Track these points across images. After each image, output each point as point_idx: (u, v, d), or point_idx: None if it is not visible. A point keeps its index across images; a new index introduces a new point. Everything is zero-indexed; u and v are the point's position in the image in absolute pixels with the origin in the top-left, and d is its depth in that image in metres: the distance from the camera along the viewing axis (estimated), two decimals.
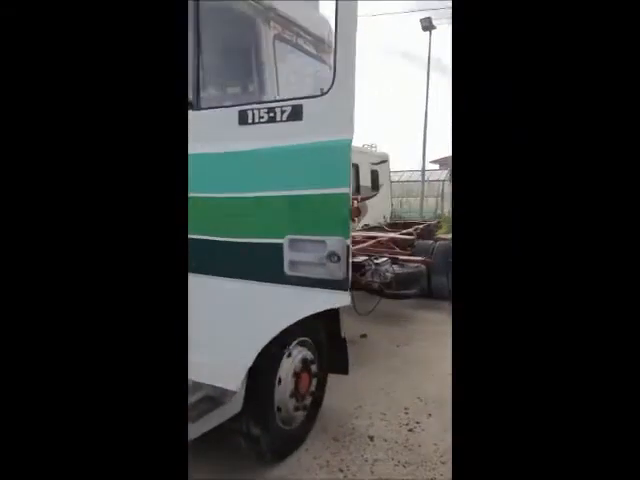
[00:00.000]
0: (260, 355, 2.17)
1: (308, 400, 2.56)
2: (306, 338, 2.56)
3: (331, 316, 2.81)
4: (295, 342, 2.45)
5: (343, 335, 2.89)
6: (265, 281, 1.99)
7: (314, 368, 2.59)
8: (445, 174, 19.80)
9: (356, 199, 9.72)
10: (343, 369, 2.92)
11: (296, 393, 2.40)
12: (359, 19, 1.65)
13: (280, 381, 2.32)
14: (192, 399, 1.99)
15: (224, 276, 2.07)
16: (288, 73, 2.42)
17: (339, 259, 1.84)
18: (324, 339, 2.76)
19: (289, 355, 2.39)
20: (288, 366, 2.36)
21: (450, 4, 1.11)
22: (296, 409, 2.41)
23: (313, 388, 2.60)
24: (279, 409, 2.33)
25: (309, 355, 2.54)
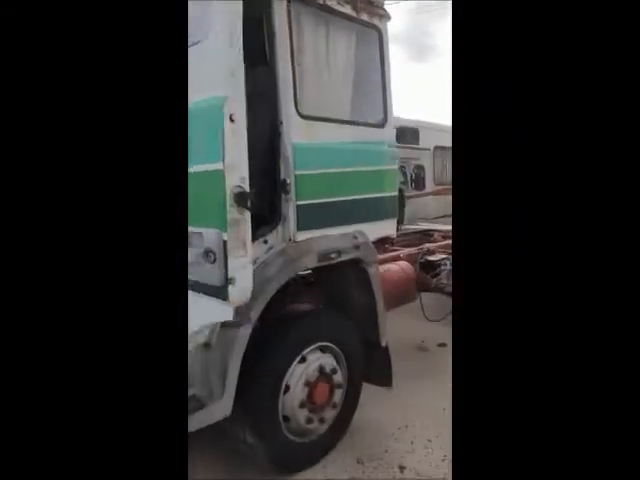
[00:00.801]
0: (258, 357, 1.97)
1: (329, 413, 2.27)
2: (329, 344, 2.27)
3: (367, 320, 2.48)
4: (312, 347, 2.18)
5: (384, 343, 2.52)
6: None
7: (337, 378, 2.28)
8: None
9: None
10: (385, 381, 2.56)
11: (309, 404, 2.14)
12: None
13: (288, 388, 2.08)
14: None
15: None
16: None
17: (215, 259, 1.50)
18: (357, 347, 2.43)
19: (303, 361, 2.13)
20: (299, 373, 2.11)
21: None
22: (309, 421, 2.15)
23: (337, 400, 2.30)
24: (287, 419, 2.10)
25: (331, 363, 2.25)
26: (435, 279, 3.55)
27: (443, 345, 3.97)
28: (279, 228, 2.03)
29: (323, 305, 2.50)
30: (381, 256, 3.46)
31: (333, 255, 2.11)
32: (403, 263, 3.32)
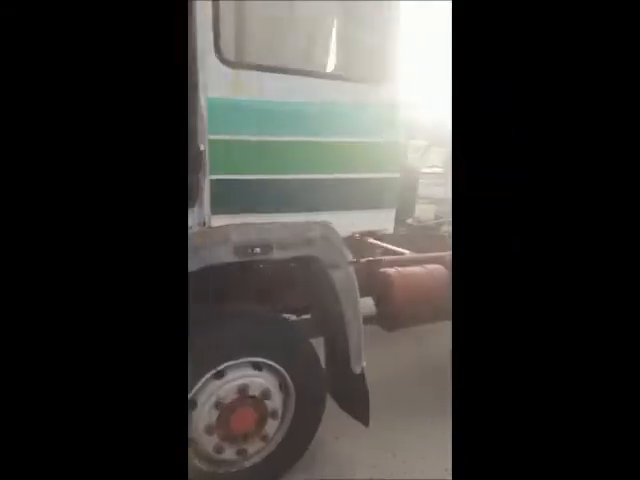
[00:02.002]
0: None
1: (256, 446, 1.82)
2: (267, 360, 1.78)
3: (335, 339, 1.92)
4: (237, 361, 1.73)
5: (359, 370, 1.94)
6: None
7: (272, 404, 1.80)
8: None
9: None
10: (361, 417, 1.99)
11: (220, 430, 1.72)
12: None
13: (195, 406, 1.68)
14: None
15: None
16: None
17: None
18: (314, 370, 1.90)
19: (219, 376, 1.70)
20: (210, 391, 1.69)
21: None
22: (219, 451, 1.73)
23: (270, 431, 1.82)
24: (193, 441, 1.71)
25: (261, 384, 1.77)
26: None
27: None
28: (195, 208, 1.60)
29: (278, 311, 2.01)
30: (409, 256, 2.78)
31: (257, 250, 1.60)
32: (435, 267, 2.57)
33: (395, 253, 3.01)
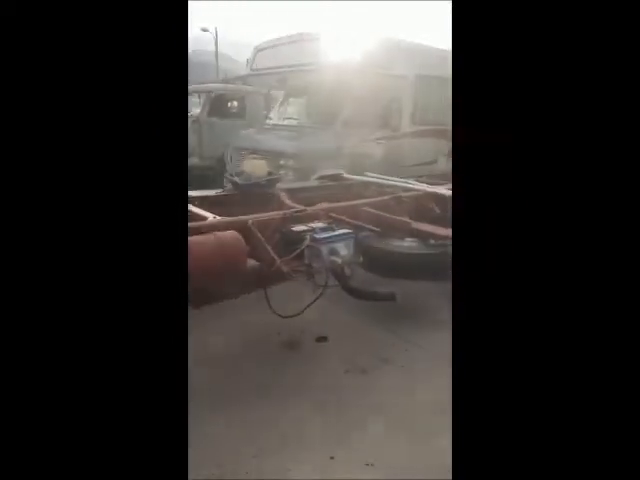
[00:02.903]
0: None
1: None
2: None
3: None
4: None
5: None
6: None
7: None
8: None
9: None
10: None
11: None
12: None
13: None
14: None
15: None
16: None
17: None
18: None
19: None
20: None
21: None
22: None
23: None
24: None
25: None
26: (296, 261, 2.38)
27: (323, 339, 2.92)
28: None
29: None
30: (206, 223, 2.35)
31: None
32: (228, 233, 2.18)
33: (203, 218, 2.57)
